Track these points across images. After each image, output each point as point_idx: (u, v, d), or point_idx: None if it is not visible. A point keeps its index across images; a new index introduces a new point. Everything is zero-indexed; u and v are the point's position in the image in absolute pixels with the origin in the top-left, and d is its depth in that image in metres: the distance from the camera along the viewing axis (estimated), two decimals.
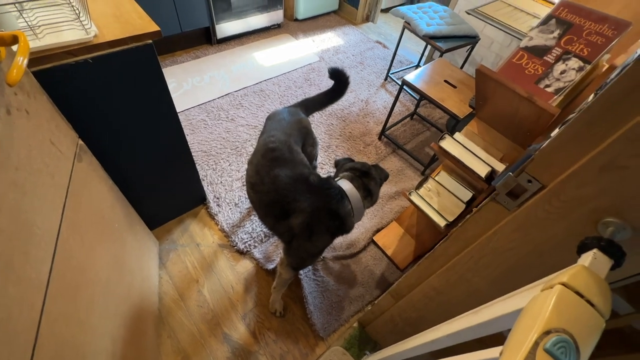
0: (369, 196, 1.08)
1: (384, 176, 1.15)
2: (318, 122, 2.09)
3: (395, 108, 1.87)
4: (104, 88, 0.90)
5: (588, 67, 0.75)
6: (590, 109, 0.37)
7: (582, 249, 0.38)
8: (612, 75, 0.58)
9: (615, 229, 0.40)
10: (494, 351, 0.35)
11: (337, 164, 1.23)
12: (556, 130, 0.70)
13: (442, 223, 1.13)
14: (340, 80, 1.37)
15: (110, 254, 0.92)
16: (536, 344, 0.27)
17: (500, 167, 0.94)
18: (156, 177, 1.28)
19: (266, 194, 1.03)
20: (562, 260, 0.39)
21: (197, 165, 1.47)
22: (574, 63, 0.75)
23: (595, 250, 0.37)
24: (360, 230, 1.58)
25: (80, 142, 0.88)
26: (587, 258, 0.36)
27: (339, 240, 1.53)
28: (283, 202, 0.99)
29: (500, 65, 0.84)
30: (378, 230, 1.59)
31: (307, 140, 1.26)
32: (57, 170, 0.72)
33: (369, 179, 1.08)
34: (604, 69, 0.79)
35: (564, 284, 0.32)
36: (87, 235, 0.81)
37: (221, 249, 1.47)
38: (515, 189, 0.50)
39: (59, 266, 0.65)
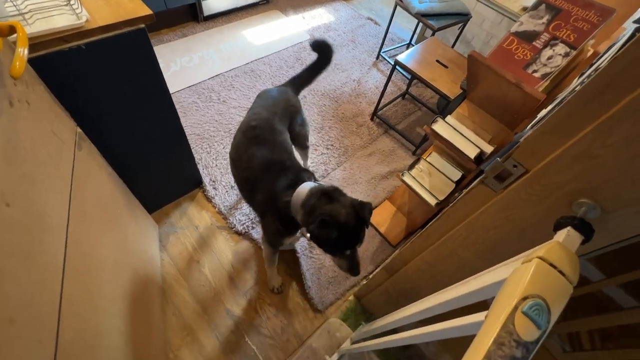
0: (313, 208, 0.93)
1: (364, 210, 0.93)
2: (311, 103, 2.09)
3: (387, 88, 1.88)
4: (98, 74, 0.89)
5: (574, 52, 0.79)
6: (568, 104, 0.41)
7: (558, 227, 0.43)
8: (594, 64, 0.62)
9: (587, 208, 0.45)
10: (480, 315, 0.40)
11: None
12: (542, 113, 0.75)
13: (433, 202, 1.19)
14: (322, 51, 1.39)
15: (114, 240, 0.95)
16: (515, 307, 0.33)
17: (488, 148, 0.99)
18: (153, 161, 1.28)
19: (242, 170, 1.10)
20: (541, 236, 0.44)
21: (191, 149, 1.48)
22: (561, 49, 0.79)
23: (569, 228, 0.42)
24: None
25: (79, 129, 0.88)
26: (561, 235, 0.41)
27: None
28: (253, 180, 1.06)
29: (491, 51, 0.86)
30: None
31: (296, 120, 1.28)
32: (60, 160, 0.73)
33: (333, 197, 0.94)
34: (588, 54, 0.83)
35: (540, 258, 0.37)
36: (92, 223, 0.83)
37: (220, 231, 1.51)
38: (502, 172, 0.54)
39: (71, 252, 0.68)
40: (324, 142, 1.90)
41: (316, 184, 1.00)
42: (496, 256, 0.63)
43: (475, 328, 0.40)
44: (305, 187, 0.98)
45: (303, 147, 1.49)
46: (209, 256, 1.43)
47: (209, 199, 1.59)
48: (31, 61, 0.75)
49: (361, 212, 0.90)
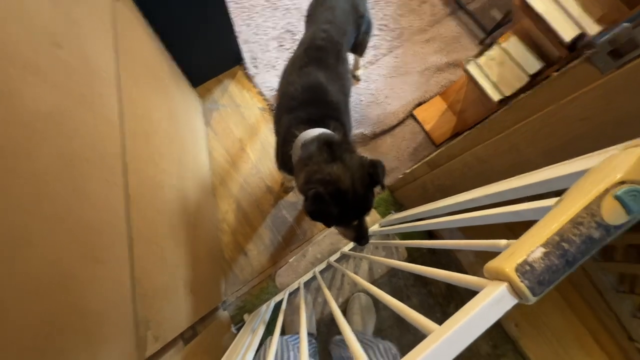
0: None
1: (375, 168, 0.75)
2: None
3: None
4: None
5: None
6: None
7: None
8: None
9: None
10: (548, 201, 0.37)
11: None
12: None
13: (496, 97, 1.05)
14: None
15: (163, 106, 0.97)
16: (606, 191, 0.28)
17: (593, 29, 0.78)
18: (191, 26, 1.19)
19: (289, 84, 0.93)
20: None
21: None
22: None
23: None
24: (400, 103, 1.52)
25: None
26: None
27: (377, 112, 1.50)
28: (291, 96, 0.91)
29: None
30: (420, 104, 1.53)
31: (361, 29, 1.10)
32: (97, 3, 0.68)
33: (336, 154, 0.75)
34: None
35: None
36: (140, 83, 0.83)
37: (261, 112, 1.50)
38: (624, 46, 0.42)
39: (125, 109, 0.70)
40: (377, 20, 1.64)
41: (329, 132, 0.82)
42: (569, 154, 0.56)
43: (538, 214, 0.37)
44: (314, 132, 0.80)
45: (359, 54, 1.34)
46: (252, 136, 1.47)
47: (249, 78, 1.53)
48: None
49: (374, 173, 0.72)
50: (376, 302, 1.28)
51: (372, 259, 0.85)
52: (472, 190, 0.64)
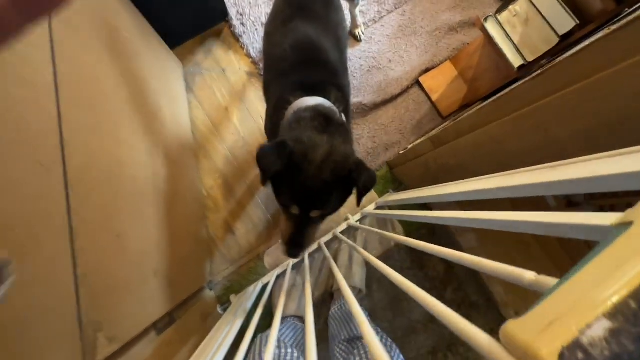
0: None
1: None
2: None
3: None
4: None
5: None
6: None
7: None
8: None
9: None
10: (609, 217, 0.25)
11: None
12: None
13: (516, 63, 0.89)
14: None
15: (123, 68, 0.83)
16: None
17: None
18: None
19: (273, 46, 0.81)
20: None
21: None
22: None
23: None
24: (404, 69, 1.35)
25: None
26: None
27: (378, 79, 1.34)
28: (279, 59, 0.77)
29: None
30: (427, 71, 1.36)
31: None
32: None
33: (329, 128, 0.66)
34: None
35: None
36: (84, 36, 0.69)
37: (249, 77, 1.35)
38: None
39: (62, 69, 0.57)
40: None
41: (329, 105, 0.70)
42: (619, 141, 0.44)
43: (590, 234, 0.26)
44: (312, 100, 0.69)
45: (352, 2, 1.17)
46: (239, 105, 1.33)
47: (236, 38, 1.36)
48: None
49: (354, 175, 0.60)
50: (369, 284, 1.22)
51: (378, 232, 0.75)
52: (485, 177, 0.52)
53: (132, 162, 0.75)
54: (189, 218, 1.09)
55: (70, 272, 0.51)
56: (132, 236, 0.69)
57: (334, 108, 0.72)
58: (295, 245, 0.65)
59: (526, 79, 0.50)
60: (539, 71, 0.46)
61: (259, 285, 1.09)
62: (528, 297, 1.13)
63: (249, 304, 0.91)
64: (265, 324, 1.15)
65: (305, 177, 0.58)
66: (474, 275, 1.26)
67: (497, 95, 0.58)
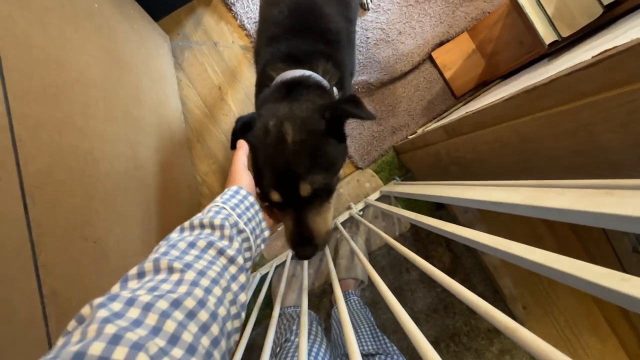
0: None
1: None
2: None
3: None
4: None
5: None
6: None
7: None
8: None
9: None
10: None
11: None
12: None
13: (549, 38, 0.77)
14: None
15: (97, 47, 0.72)
16: None
17: None
18: None
19: (270, 4, 0.72)
20: None
21: None
22: None
23: None
24: (416, 42, 1.21)
25: None
26: None
27: (386, 54, 1.21)
28: (273, 23, 0.69)
29: None
30: (441, 44, 1.22)
31: None
32: None
33: (294, 93, 0.58)
34: None
35: None
36: (35, 8, 0.58)
37: (243, 52, 1.22)
38: None
39: (10, 54, 0.48)
40: None
41: (313, 76, 0.61)
42: None
43: None
44: (295, 73, 0.61)
45: None
46: (232, 83, 1.22)
47: (228, 6, 1.21)
48: None
49: (334, 114, 0.51)
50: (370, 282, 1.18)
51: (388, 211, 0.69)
52: (515, 184, 0.44)
53: (108, 156, 0.67)
54: (182, 206, 1.02)
55: (34, 292, 0.46)
56: (113, 240, 0.63)
57: (324, 82, 0.63)
58: (302, 243, 0.52)
59: (576, 68, 0.40)
60: (599, 57, 0.36)
61: (257, 276, 1.06)
62: (537, 292, 1.08)
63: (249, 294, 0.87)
64: (264, 314, 1.13)
65: (270, 153, 0.50)
66: (480, 266, 1.21)
67: (532, 85, 0.48)
